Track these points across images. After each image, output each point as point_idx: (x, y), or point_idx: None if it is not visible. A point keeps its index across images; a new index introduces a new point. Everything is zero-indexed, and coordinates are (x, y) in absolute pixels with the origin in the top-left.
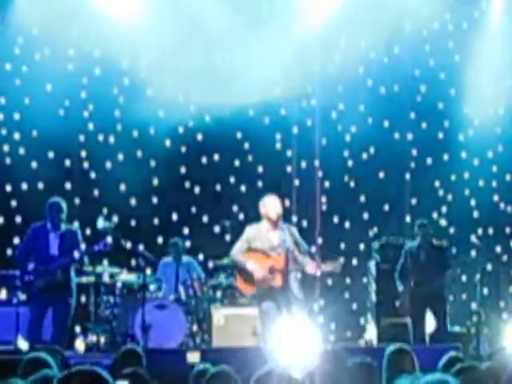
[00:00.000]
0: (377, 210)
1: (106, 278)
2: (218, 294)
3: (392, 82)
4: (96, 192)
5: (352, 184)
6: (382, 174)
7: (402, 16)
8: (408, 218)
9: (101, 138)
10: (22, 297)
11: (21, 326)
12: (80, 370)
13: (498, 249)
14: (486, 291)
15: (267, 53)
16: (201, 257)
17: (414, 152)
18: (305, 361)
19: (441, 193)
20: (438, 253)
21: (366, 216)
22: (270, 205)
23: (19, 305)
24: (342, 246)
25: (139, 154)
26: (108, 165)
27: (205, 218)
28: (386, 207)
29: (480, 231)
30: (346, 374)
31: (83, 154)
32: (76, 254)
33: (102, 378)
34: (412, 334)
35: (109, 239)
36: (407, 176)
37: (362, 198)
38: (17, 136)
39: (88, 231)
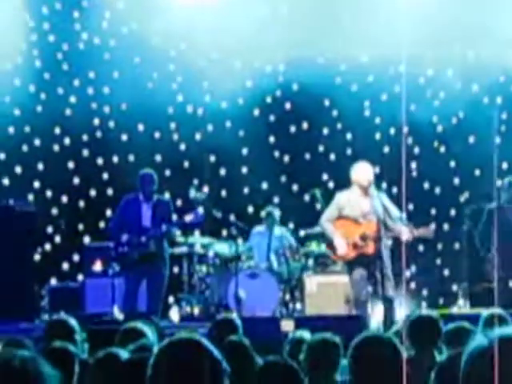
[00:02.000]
0: (467, 174)
1: (198, 249)
2: (310, 262)
3: (481, 45)
4: (186, 163)
5: (442, 149)
6: (471, 139)
7: None
8: (499, 183)
9: (190, 109)
10: (117, 268)
11: (116, 297)
12: (182, 337)
13: None
14: None
15: (354, 22)
16: (291, 225)
17: (504, 115)
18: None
19: None
20: None
21: (456, 181)
22: (362, 171)
23: (115, 276)
24: (433, 211)
25: (228, 124)
26: (197, 136)
27: (295, 187)
28: (477, 172)
29: None
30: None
31: (172, 125)
32: (168, 226)
33: (202, 346)
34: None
35: (200, 210)
36: (497, 140)
37: (452, 163)
38: (106, 109)
39: (179, 202)
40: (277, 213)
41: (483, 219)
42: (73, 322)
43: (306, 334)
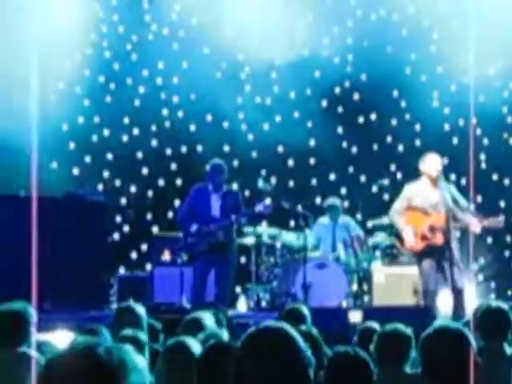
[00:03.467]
0: None
1: (266, 239)
2: (378, 253)
3: None
4: (254, 154)
5: (511, 141)
6: None
7: None
8: None
9: (258, 99)
10: (186, 258)
11: (185, 287)
12: (270, 326)
13: None
14: None
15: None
16: (359, 216)
17: None
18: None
19: None
20: None
21: None
22: (431, 162)
23: (183, 265)
24: (502, 203)
25: (296, 114)
26: (265, 126)
27: (362, 178)
28: None
29: None
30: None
31: (240, 116)
32: (237, 216)
33: (290, 336)
34: None
35: (268, 201)
36: None
37: None
38: (175, 100)
39: (247, 193)
40: (337, 203)
41: None
42: (141, 309)
43: (375, 325)
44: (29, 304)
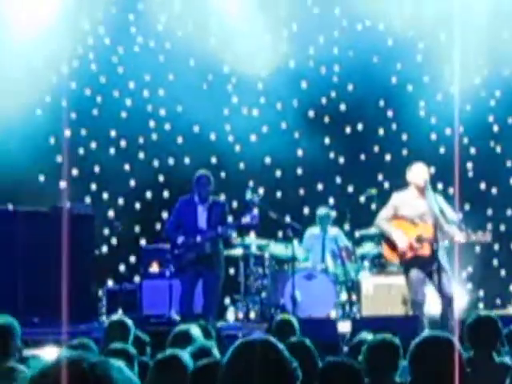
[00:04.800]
0: None
1: (254, 250)
2: (366, 263)
3: None
4: (241, 165)
5: (498, 149)
6: None
7: None
8: None
9: (245, 111)
10: (174, 270)
11: (174, 299)
12: (257, 339)
13: None
14: None
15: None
16: (347, 227)
17: None
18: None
19: None
20: None
21: None
22: (418, 172)
23: (171, 278)
24: (489, 212)
25: (283, 125)
26: (252, 137)
27: (350, 188)
28: None
29: None
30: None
31: (227, 127)
32: (224, 227)
33: (276, 348)
34: None
35: (255, 211)
36: None
37: (509, 164)
38: (162, 112)
39: (235, 204)
40: (329, 213)
41: None
42: (129, 322)
43: (365, 335)
44: (14, 318)
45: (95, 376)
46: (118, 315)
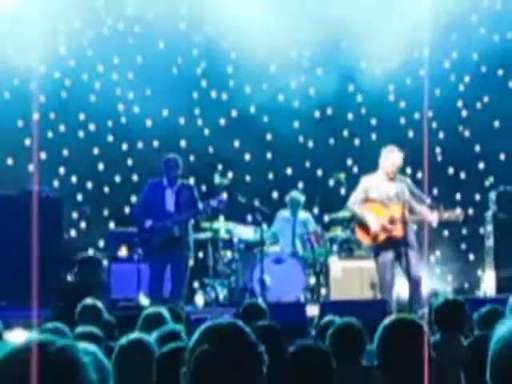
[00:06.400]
0: (492, 159)
1: (223, 234)
2: (335, 247)
3: (506, 29)
4: (210, 149)
5: (467, 134)
6: (496, 123)
7: None
8: None
9: (214, 94)
10: (142, 254)
11: (142, 283)
12: (223, 322)
13: None
14: None
15: (378, 4)
16: (316, 211)
17: None
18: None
19: None
20: None
21: (481, 166)
22: (392, 157)
23: (140, 262)
24: (458, 196)
25: (252, 109)
26: (222, 121)
27: (319, 172)
28: (502, 156)
29: None
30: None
31: (197, 111)
32: (192, 211)
33: (243, 332)
34: None
35: (224, 196)
36: None
37: (477, 148)
38: (131, 95)
39: (203, 188)
40: (301, 197)
41: None
42: (100, 306)
43: (331, 318)
44: None
45: (63, 359)
46: (90, 300)
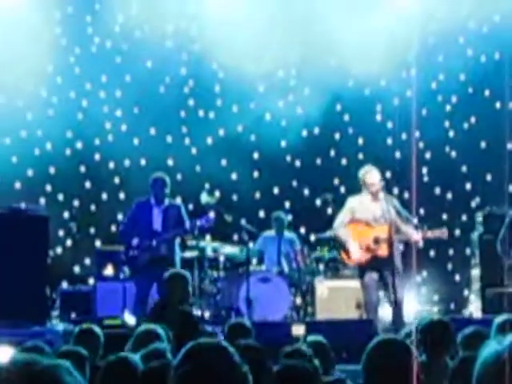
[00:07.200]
0: (479, 180)
1: (209, 253)
2: (321, 266)
3: (492, 50)
4: (198, 167)
5: (453, 154)
6: (483, 144)
7: None
8: (511, 188)
9: (201, 113)
10: (128, 272)
11: (127, 301)
12: (207, 342)
13: None
14: None
15: (366, 24)
16: (302, 230)
17: None
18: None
19: None
20: None
21: (468, 186)
22: (369, 176)
23: (126, 280)
24: (444, 216)
25: (240, 128)
26: (209, 140)
27: (306, 192)
28: (488, 177)
29: None
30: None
31: (184, 130)
32: (179, 230)
33: (227, 352)
34: None
35: (211, 214)
36: (509, 145)
37: (464, 169)
38: (118, 113)
39: (191, 206)
40: (285, 218)
41: (506, 225)
42: (97, 329)
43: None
44: None
45: (46, 379)
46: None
